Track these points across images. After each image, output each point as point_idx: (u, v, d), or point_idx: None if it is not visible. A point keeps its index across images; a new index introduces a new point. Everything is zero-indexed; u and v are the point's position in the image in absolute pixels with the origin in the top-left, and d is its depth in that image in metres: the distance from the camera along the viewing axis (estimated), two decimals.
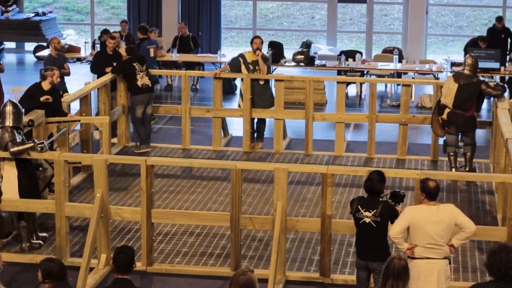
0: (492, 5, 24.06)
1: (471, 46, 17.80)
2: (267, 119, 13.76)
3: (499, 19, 18.26)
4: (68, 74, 14.19)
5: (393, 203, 7.85)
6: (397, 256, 6.25)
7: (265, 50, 14.92)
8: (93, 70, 14.70)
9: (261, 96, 13.36)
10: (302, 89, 15.43)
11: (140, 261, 9.22)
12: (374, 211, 7.69)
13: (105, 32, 17.64)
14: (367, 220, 7.71)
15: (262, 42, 13.41)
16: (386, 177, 7.88)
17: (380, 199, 7.77)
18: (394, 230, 7.46)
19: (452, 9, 24.70)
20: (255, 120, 13.61)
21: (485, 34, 18.51)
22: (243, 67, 13.35)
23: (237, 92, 13.45)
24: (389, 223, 7.82)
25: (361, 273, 7.95)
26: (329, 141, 13.78)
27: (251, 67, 13.29)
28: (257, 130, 13.64)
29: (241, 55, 13.50)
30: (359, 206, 7.77)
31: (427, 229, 7.39)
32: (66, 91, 13.78)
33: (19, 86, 15.05)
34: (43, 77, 11.33)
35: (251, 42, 13.40)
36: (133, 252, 6.57)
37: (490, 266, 6.04)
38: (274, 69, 17.47)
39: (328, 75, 17.83)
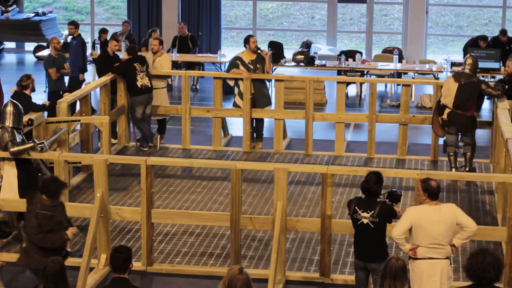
0: (492, 5, 24.06)
1: (471, 45, 17.81)
2: (267, 119, 13.77)
3: (503, 33, 18.26)
4: (68, 74, 14.17)
5: (390, 203, 7.85)
6: (395, 256, 6.25)
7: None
8: (99, 75, 14.30)
9: (262, 94, 13.34)
10: (302, 89, 15.43)
11: (140, 261, 9.23)
12: (372, 211, 7.68)
13: (103, 31, 17.64)
14: (365, 221, 7.71)
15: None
16: (386, 177, 7.88)
17: (378, 200, 7.76)
18: (397, 231, 7.45)
19: (452, 9, 24.70)
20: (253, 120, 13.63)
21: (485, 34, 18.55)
22: (242, 69, 13.32)
23: (235, 92, 13.40)
24: (388, 223, 7.83)
25: (360, 274, 7.95)
26: (329, 141, 13.78)
27: (252, 67, 13.28)
28: (255, 129, 13.63)
29: (237, 58, 13.47)
30: (356, 207, 7.76)
31: (430, 229, 7.38)
32: (66, 91, 13.77)
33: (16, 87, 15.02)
34: (25, 87, 11.25)
35: (247, 42, 13.39)
36: (130, 251, 6.57)
37: (467, 269, 6.08)
38: (274, 69, 17.47)
39: (328, 75, 17.82)
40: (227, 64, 17.81)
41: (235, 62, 13.42)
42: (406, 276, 6.22)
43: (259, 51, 13.39)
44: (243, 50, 13.56)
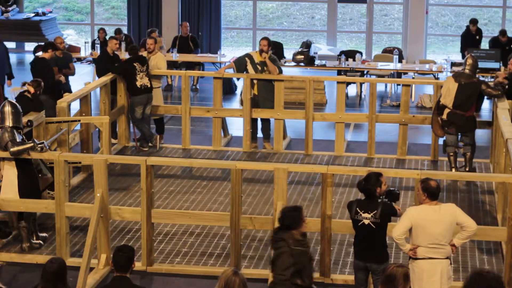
0: (492, 5, 24.07)
1: (466, 35, 18.29)
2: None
3: (503, 33, 18.32)
4: (73, 74, 14.12)
5: (389, 202, 7.85)
6: (396, 263, 6.20)
7: None
8: (99, 75, 14.36)
9: (269, 96, 13.30)
10: (302, 89, 15.42)
11: (140, 261, 9.22)
12: (374, 212, 7.67)
13: (101, 30, 17.71)
14: (366, 221, 7.70)
15: (268, 44, 13.27)
16: (386, 177, 7.88)
17: (379, 200, 7.76)
18: (397, 231, 7.44)
19: (452, 9, 24.70)
20: (259, 120, 13.59)
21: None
22: (250, 67, 13.30)
23: (238, 92, 13.41)
24: (389, 223, 7.83)
25: (359, 275, 7.93)
26: (329, 141, 13.78)
27: (260, 68, 13.25)
28: (263, 130, 13.61)
29: (248, 55, 13.46)
30: (357, 208, 7.75)
31: (430, 229, 7.38)
32: (70, 91, 13.74)
33: (19, 86, 15.03)
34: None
35: (259, 43, 13.40)
36: (133, 251, 6.59)
37: None
38: None
39: (328, 75, 17.82)
40: (227, 64, 17.85)
41: (243, 59, 13.39)
42: (406, 283, 6.13)
43: (262, 53, 13.26)
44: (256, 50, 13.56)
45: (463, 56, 18.56)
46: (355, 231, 7.84)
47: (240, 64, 13.40)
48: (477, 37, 18.59)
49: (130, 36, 19.97)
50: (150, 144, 13.47)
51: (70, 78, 14.39)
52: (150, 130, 13.51)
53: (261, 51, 13.21)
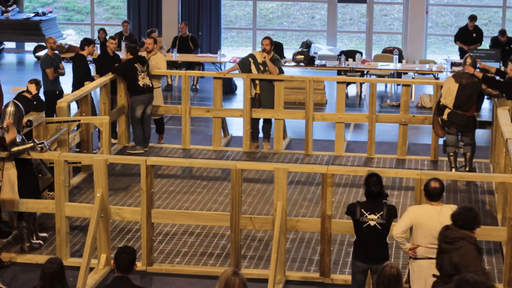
0: (492, 5, 24.07)
1: (459, 34, 18.28)
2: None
3: (503, 33, 18.31)
4: (63, 74, 14.10)
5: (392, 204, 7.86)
6: (389, 264, 6.21)
7: None
8: (99, 75, 14.35)
9: (271, 96, 13.29)
10: (302, 89, 15.42)
11: (140, 261, 9.22)
12: (381, 213, 7.64)
13: (101, 30, 17.69)
14: (372, 223, 7.66)
15: (270, 43, 13.27)
16: (386, 177, 7.88)
17: (382, 201, 7.73)
18: (398, 229, 7.44)
19: (452, 9, 24.71)
20: (261, 120, 13.58)
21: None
22: (253, 67, 13.30)
23: (238, 92, 13.39)
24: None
25: (359, 276, 7.88)
26: (329, 141, 13.78)
27: (262, 68, 13.25)
28: (263, 130, 13.61)
29: (251, 56, 13.46)
30: (362, 210, 7.71)
31: (431, 229, 7.38)
32: (62, 91, 13.72)
33: (18, 86, 15.05)
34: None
35: (261, 43, 13.40)
36: (135, 252, 6.60)
37: None
38: None
39: (328, 75, 17.83)
40: (227, 64, 17.86)
41: (247, 59, 13.39)
42: (400, 283, 6.16)
43: (265, 53, 13.24)
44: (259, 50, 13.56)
45: (459, 49, 18.59)
46: (358, 233, 7.79)
47: (244, 65, 13.40)
48: (474, 34, 18.53)
49: (135, 34, 19.94)
50: (139, 148, 13.27)
51: (68, 77, 14.37)
52: (145, 135, 13.35)
53: (263, 51, 13.22)
